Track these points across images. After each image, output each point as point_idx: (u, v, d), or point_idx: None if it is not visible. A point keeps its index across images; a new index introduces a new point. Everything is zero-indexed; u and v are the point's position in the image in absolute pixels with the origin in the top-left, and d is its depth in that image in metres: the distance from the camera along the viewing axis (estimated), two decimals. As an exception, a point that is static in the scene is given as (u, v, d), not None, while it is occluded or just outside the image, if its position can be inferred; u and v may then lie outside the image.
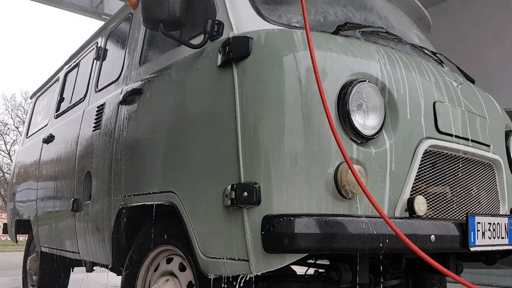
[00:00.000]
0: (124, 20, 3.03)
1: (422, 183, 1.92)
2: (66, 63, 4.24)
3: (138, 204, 2.25)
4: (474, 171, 2.16)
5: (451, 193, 2.03)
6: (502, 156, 2.32)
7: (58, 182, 3.46)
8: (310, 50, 1.67)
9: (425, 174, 1.93)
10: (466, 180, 2.10)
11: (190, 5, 1.96)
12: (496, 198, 2.27)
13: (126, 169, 2.43)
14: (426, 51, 2.47)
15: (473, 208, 2.11)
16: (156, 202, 2.11)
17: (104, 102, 2.85)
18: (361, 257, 1.86)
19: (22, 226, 4.54)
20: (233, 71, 1.78)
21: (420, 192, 1.89)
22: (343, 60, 1.81)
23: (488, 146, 2.24)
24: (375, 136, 1.77)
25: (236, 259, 1.67)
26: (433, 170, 1.96)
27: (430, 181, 1.95)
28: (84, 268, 3.62)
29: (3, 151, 26.71)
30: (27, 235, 4.67)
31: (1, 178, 25.94)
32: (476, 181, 2.16)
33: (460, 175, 2.08)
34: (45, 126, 4.24)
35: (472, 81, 2.59)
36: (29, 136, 4.83)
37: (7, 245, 14.54)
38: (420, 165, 1.89)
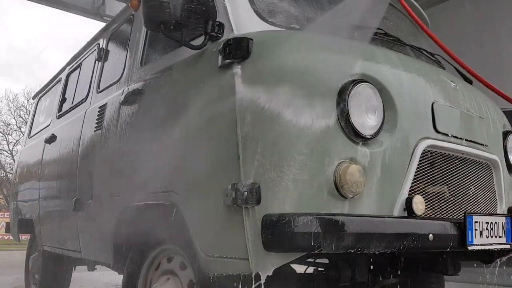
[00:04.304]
0: (125, 21, 3.05)
1: (421, 182, 1.94)
2: (68, 64, 4.26)
3: (139, 203, 2.27)
4: (472, 171, 2.18)
5: (449, 192, 2.05)
6: (499, 156, 2.34)
7: (60, 181, 3.49)
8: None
9: (424, 173, 1.95)
10: (464, 180, 2.12)
11: (191, 6, 1.98)
12: (494, 198, 2.29)
13: (128, 169, 2.45)
14: (424, 52, 2.48)
15: (471, 208, 2.13)
16: (157, 202, 2.13)
17: (106, 103, 2.88)
18: (360, 256, 1.88)
19: (25, 225, 4.57)
20: (234, 72, 1.80)
21: (418, 192, 1.90)
22: (342, 61, 1.83)
23: (486, 146, 2.25)
24: (374, 136, 1.79)
25: (236, 258, 1.69)
26: (431, 170, 1.98)
27: (429, 180, 1.97)
28: (86, 267, 3.65)
29: (5, 151, 26.74)
30: (30, 234, 4.70)
31: (4, 177, 25.97)
32: (474, 181, 2.17)
33: (458, 175, 2.09)
34: (47, 127, 4.27)
35: (470, 82, 2.61)
36: (32, 136, 4.85)
37: (10, 244, 14.57)
38: (418, 165, 1.90)
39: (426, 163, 1.96)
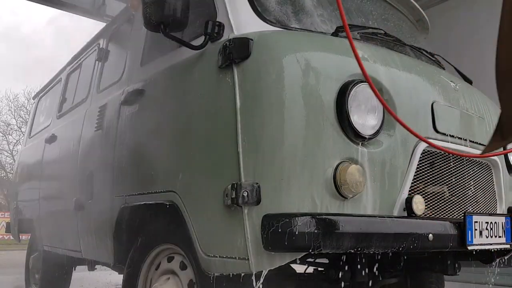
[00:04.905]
0: (125, 21, 3.06)
1: (420, 182, 1.94)
2: (68, 64, 4.27)
3: (140, 203, 2.27)
4: (472, 171, 2.18)
5: (449, 192, 2.05)
6: (499, 156, 2.34)
7: (61, 181, 3.49)
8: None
9: (423, 173, 1.95)
10: (463, 180, 2.12)
11: (191, 6, 1.98)
12: (494, 198, 2.29)
13: (128, 169, 2.46)
14: (424, 52, 2.49)
15: (470, 208, 2.13)
16: (157, 202, 2.13)
17: (106, 103, 2.88)
18: (360, 256, 1.88)
19: (25, 225, 4.58)
20: (234, 72, 1.81)
21: (418, 192, 1.91)
22: (342, 61, 1.83)
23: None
24: (374, 136, 1.79)
25: (236, 258, 1.69)
26: (431, 170, 1.98)
27: (428, 180, 1.97)
28: (86, 267, 3.65)
29: (6, 151, 26.72)
30: (30, 234, 4.71)
31: (4, 177, 25.98)
32: (474, 181, 2.17)
33: (457, 175, 2.09)
34: (47, 127, 4.27)
35: (470, 82, 2.61)
36: (32, 136, 4.86)
37: (10, 244, 14.57)
38: (418, 164, 1.91)
39: (425, 163, 1.96)
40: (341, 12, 1.44)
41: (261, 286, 1.64)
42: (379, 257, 1.98)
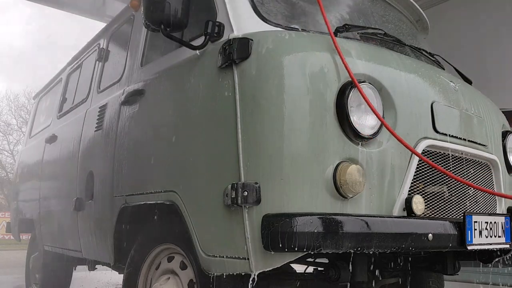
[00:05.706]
0: (126, 21, 3.06)
1: (420, 182, 1.94)
2: (68, 64, 4.27)
3: (140, 203, 2.28)
4: (472, 171, 2.18)
5: (449, 192, 2.05)
6: (499, 156, 2.34)
7: (61, 181, 3.49)
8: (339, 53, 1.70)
9: (423, 173, 1.95)
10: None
11: (191, 7, 1.99)
12: (493, 197, 2.29)
13: (128, 169, 2.46)
14: (424, 53, 2.49)
15: (470, 207, 2.13)
16: (158, 202, 2.13)
17: (106, 103, 2.88)
18: (360, 256, 1.88)
19: (26, 225, 4.58)
20: (234, 72, 1.81)
21: (418, 192, 1.91)
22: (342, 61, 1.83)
23: (485, 146, 2.26)
24: (374, 136, 1.79)
25: (236, 257, 1.69)
26: (431, 170, 1.98)
27: (428, 180, 1.97)
28: (86, 266, 3.66)
29: (6, 151, 26.73)
30: (30, 234, 4.71)
31: (5, 177, 25.98)
32: (474, 181, 2.18)
33: (457, 174, 2.10)
34: (48, 126, 4.28)
35: (470, 82, 2.61)
36: (32, 136, 4.86)
37: (11, 244, 14.58)
38: (418, 164, 1.91)
39: (425, 163, 1.96)
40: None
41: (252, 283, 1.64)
42: (379, 257, 1.98)
